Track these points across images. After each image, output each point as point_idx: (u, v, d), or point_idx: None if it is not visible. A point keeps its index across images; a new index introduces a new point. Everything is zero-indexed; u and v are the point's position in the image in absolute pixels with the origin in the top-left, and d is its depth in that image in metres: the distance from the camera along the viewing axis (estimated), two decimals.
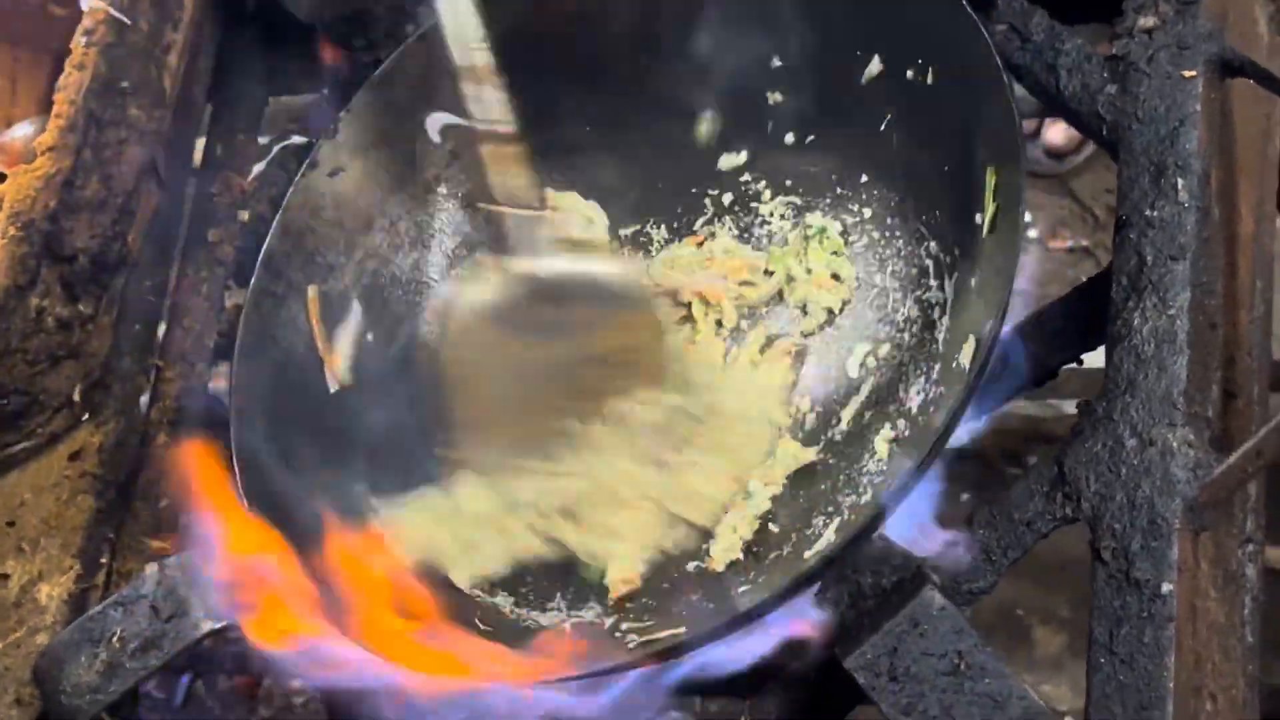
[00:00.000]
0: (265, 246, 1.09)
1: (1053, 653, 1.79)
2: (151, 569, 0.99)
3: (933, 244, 1.04)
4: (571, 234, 1.10)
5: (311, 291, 1.10)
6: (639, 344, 1.07)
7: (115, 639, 0.97)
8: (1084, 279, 1.04)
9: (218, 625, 0.98)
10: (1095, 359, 1.02)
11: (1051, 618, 1.80)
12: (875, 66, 1.06)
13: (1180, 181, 0.92)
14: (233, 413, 1.04)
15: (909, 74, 1.04)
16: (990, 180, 0.96)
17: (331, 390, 1.09)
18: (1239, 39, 0.98)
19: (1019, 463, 1.80)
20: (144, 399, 1.14)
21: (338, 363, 1.10)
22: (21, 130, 1.14)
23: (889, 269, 1.09)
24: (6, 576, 1.05)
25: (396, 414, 1.10)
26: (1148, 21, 0.96)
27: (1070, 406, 1.60)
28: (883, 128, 1.07)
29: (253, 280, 1.08)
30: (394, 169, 1.14)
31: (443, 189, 1.16)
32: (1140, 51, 0.96)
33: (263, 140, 1.25)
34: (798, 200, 1.13)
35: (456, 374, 1.09)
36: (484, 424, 1.08)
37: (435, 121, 1.14)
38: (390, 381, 1.12)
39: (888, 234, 1.09)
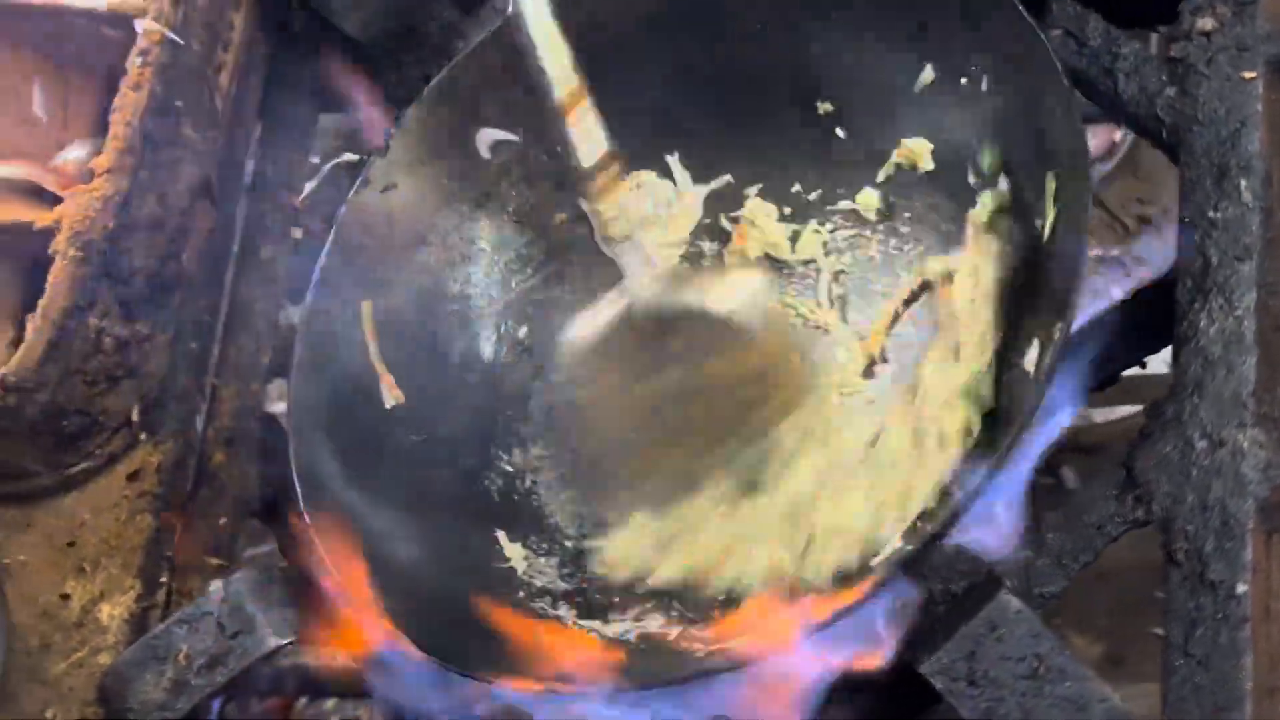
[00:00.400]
0: (319, 264, 1.09)
1: (1090, 661, 1.77)
2: (216, 585, 0.99)
3: None
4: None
5: (366, 308, 1.11)
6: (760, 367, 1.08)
7: (181, 656, 0.98)
8: (1114, 288, 1.04)
9: (284, 641, 0.98)
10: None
11: (1089, 626, 1.78)
12: (928, 74, 1.06)
13: (1243, 182, 0.92)
14: (291, 431, 1.04)
15: (963, 81, 1.04)
16: (1050, 185, 0.96)
17: (388, 406, 1.09)
18: None
19: (1053, 474, 1.79)
20: (199, 418, 1.14)
21: (393, 379, 1.10)
22: (74, 152, 1.14)
23: None
24: (67, 597, 1.05)
25: (453, 428, 1.11)
26: (1206, 24, 0.96)
27: (1099, 416, 1.60)
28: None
29: (307, 297, 1.09)
30: (445, 185, 1.14)
31: (493, 204, 1.16)
32: (1199, 54, 0.96)
33: (314, 159, 1.25)
34: None
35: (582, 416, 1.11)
36: (628, 469, 1.08)
37: (485, 137, 1.15)
38: (447, 396, 1.12)
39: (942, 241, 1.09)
